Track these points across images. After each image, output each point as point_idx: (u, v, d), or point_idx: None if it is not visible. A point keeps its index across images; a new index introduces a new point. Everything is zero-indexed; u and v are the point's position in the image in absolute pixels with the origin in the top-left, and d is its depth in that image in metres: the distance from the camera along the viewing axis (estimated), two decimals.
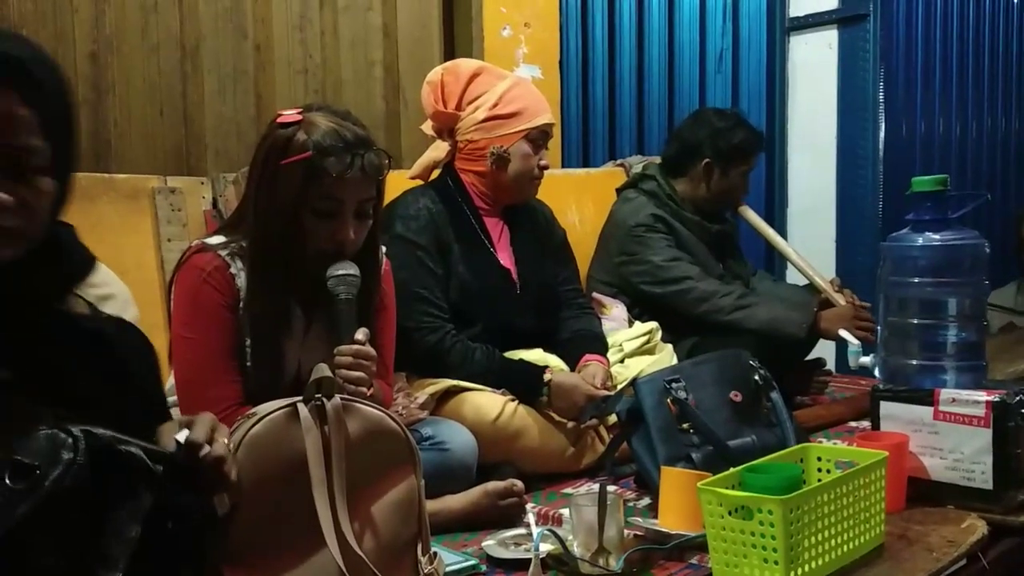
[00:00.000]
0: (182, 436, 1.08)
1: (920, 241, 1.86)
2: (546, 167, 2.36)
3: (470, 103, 2.30)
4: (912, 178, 1.91)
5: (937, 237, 1.85)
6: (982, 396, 1.76)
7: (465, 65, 2.37)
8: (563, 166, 3.32)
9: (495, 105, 2.28)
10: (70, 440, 1.00)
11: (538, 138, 2.31)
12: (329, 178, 1.60)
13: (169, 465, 1.05)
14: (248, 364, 1.66)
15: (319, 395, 1.24)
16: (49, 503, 0.95)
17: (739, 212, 2.97)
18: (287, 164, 1.61)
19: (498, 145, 2.28)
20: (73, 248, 1.21)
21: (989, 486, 1.75)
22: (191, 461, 1.08)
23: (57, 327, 1.14)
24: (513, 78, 2.37)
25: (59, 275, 1.18)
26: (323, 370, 1.26)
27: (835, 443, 2.18)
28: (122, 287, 1.32)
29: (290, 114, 1.65)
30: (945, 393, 1.80)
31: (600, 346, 2.35)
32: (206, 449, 1.08)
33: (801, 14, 3.99)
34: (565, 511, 1.73)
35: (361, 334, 1.59)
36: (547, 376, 2.12)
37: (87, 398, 1.06)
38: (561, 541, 1.52)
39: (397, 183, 2.30)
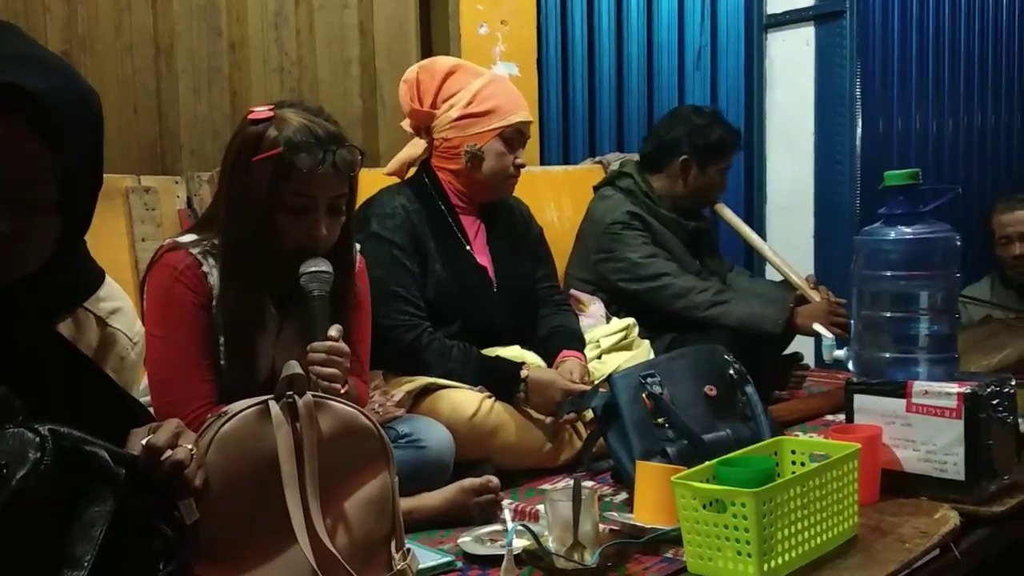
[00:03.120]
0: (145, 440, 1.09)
1: (892, 235, 1.88)
2: (522, 165, 2.34)
3: (445, 101, 2.29)
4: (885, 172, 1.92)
5: (909, 231, 1.87)
6: (954, 388, 1.78)
7: (441, 63, 2.37)
8: (542, 163, 3.33)
9: (469, 103, 2.27)
10: (37, 439, 0.99)
11: (512, 136, 2.30)
12: (300, 174, 1.59)
13: (132, 468, 1.05)
14: (222, 362, 1.66)
15: (290, 392, 1.24)
16: (15, 502, 0.94)
17: (716, 210, 2.99)
18: (258, 160, 1.60)
19: (472, 143, 2.28)
20: (82, 267, 1.20)
21: (961, 477, 1.77)
22: (152, 465, 1.07)
23: (49, 344, 1.15)
24: (489, 76, 2.36)
25: (57, 297, 1.17)
26: (294, 367, 1.26)
27: (810, 436, 2.19)
28: (128, 301, 1.34)
29: (262, 110, 1.65)
30: (917, 385, 1.81)
31: (577, 342, 2.35)
32: (167, 453, 1.08)
33: (778, 11, 4.00)
34: (542, 507, 1.73)
35: (334, 331, 1.59)
36: (524, 372, 2.12)
37: (71, 413, 1.05)
38: (535, 536, 1.52)
39: (374, 181, 2.30)
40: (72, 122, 1.04)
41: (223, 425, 1.20)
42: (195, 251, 1.66)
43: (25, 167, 1.02)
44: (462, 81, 2.30)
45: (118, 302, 1.31)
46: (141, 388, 1.64)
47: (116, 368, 1.30)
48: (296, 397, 1.23)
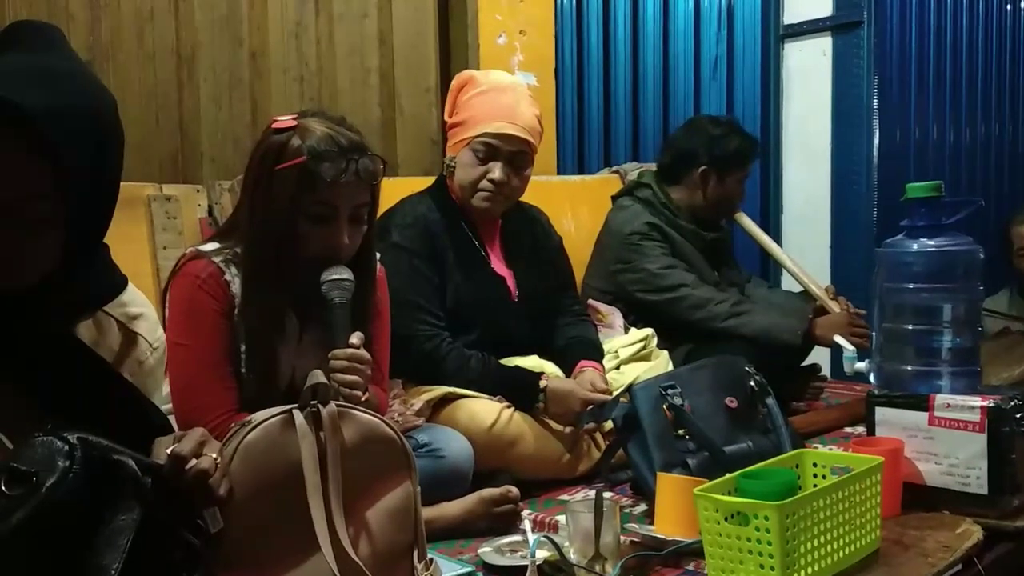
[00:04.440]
0: (171, 449, 1.09)
1: (915, 247, 1.87)
2: (500, 181, 2.21)
3: (452, 111, 2.31)
4: (906, 184, 1.91)
5: (931, 243, 1.86)
6: (977, 401, 1.76)
7: (463, 75, 2.37)
8: (559, 173, 3.33)
9: (454, 114, 2.29)
10: (66, 448, 1.00)
11: (480, 148, 2.21)
12: (323, 183, 1.60)
13: (157, 477, 1.05)
14: (243, 370, 1.66)
15: (315, 401, 1.24)
16: (44, 510, 0.95)
17: (735, 219, 2.98)
18: (282, 169, 1.61)
19: (450, 154, 2.28)
20: (101, 274, 1.21)
21: (984, 491, 1.75)
22: (176, 474, 1.08)
23: (69, 349, 1.15)
24: (486, 86, 2.28)
25: (72, 303, 1.18)
26: (318, 376, 1.26)
27: (831, 449, 2.18)
28: (151, 308, 1.34)
29: (285, 120, 1.66)
30: (940, 398, 1.80)
31: (596, 353, 2.35)
32: (192, 462, 1.08)
33: (795, 21, 4.00)
34: (561, 518, 1.73)
35: (356, 338, 1.59)
36: (543, 382, 2.12)
37: (91, 418, 1.06)
38: (557, 548, 1.52)
39: (393, 190, 2.30)
40: (72, 137, 1.03)
41: (247, 434, 1.21)
42: (217, 259, 1.67)
43: (17, 182, 1.02)
44: (467, 91, 2.29)
45: (141, 308, 1.32)
46: (163, 395, 1.64)
47: (133, 372, 1.31)
48: (320, 406, 1.24)
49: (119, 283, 1.28)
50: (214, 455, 1.12)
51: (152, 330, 1.34)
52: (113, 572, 0.98)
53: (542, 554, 1.53)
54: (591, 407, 2.07)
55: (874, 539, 1.61)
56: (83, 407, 1.09)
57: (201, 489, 1.10)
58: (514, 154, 2.24)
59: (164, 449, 1.11)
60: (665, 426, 1.87)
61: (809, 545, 1.46)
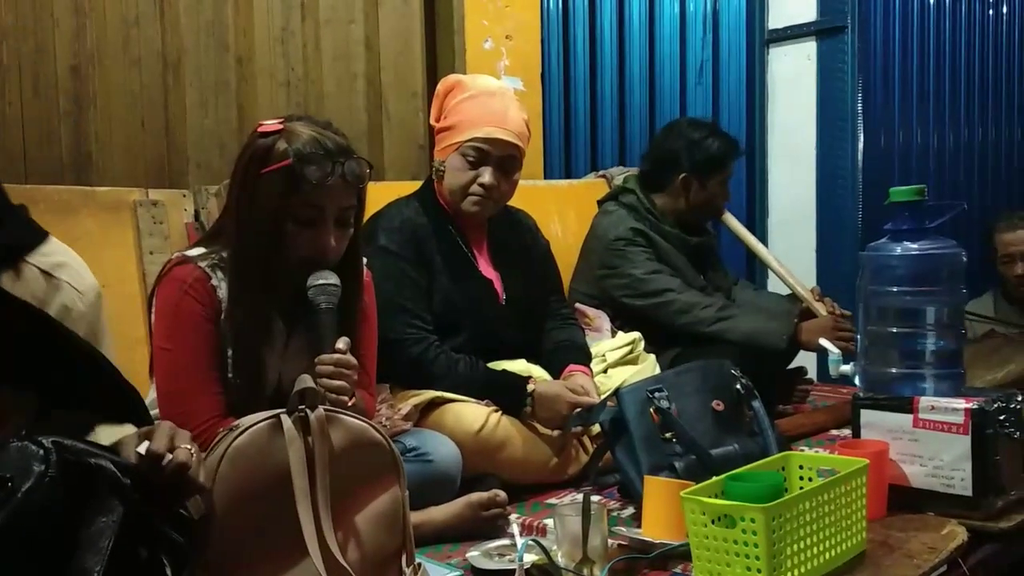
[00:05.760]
0: (143, 448, 1.08)
1: (898, 250, 1.88)
2: (490, 185, 2.21)
3: (440, 115, 2.31)
4: (890, 188, 1.93)
5: (915, 246, 1.87)
6: (961, 404, 1.78)
7: (449, 80, 2.37)
8: (545, 177, 3.34)
9: (443, 118, 2.29)
10: (41, 452, 0.99)
11: (470, 153, 2.22)
12: (309, 186, 1.60)
13: (136, 477, 1.05)
14: (230, 376, 1.66)
15: (303, 406, 1.24)
16: (21, 515, 0.94)
17: (721, 220, 2.99)
18: (268, 173, 1.61)
19: (439, 158, 2.28)
20: (14, 228, 1.23)
21: (969, 493, 1.76)
22: (154, 471, 1.07)
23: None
24: (474, 90, 2.28)
25: None
26: (306, 381, 1.26)
27: (817, 451, 2.19)
28: (75, 256, 1.36)
29: (271, 124, 1.66)
30: (924, 401, 1.81)
31: (583, 356, 2.35)
32: (168, 457, 1.08)
33: (780, 26, 4.03)
34: (549, 521, 1.73)
35: (342, 343, 1.59)
36: (530, 386, 2.12)
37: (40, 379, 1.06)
38: (545, 551, 1.52)
39: (380, 195, 2.30)
40: None
41: (235, 439, 1.21)
42: (204, 264, 1.67)
43: None
44: (455, 96, 2.29)
45: (62, 257, 1.34)
46: (149, 400, 1.64)
47: (61, 317, 1.31)
48: (308, 411, 1.24)
49: (39, 235, 1.30)
50: (187, 446, 1.11)
51: (76, 277, 1.35)
52: (96, 574, 0.98)
53: (530, 558, 1.53)
54: (579, 410, 2.07)
55: (860, 541, 1.62)
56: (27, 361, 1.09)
57: (181, 482, 1.10)
58: (504, 158, 2.24)
59: (132, 449, 1.10)
60: (652, 429, 1.87)
61: (795, 547, 1.46)
